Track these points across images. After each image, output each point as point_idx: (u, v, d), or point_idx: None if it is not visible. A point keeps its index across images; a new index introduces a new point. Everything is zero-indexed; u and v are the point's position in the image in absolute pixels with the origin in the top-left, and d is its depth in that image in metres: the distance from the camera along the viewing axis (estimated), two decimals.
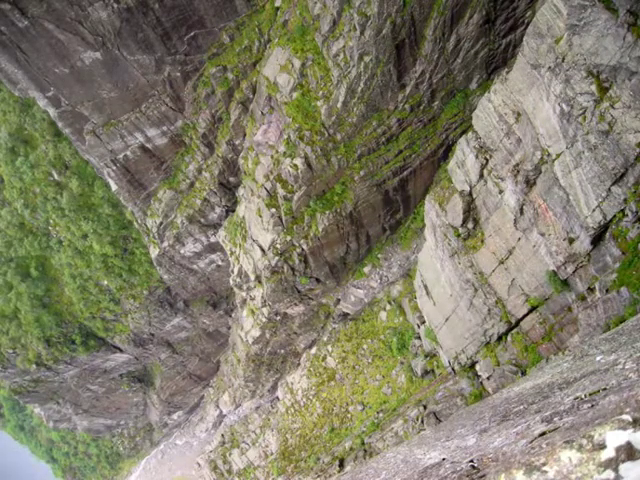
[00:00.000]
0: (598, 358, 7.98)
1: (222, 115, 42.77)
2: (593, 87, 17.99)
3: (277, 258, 42.25)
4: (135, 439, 76.98)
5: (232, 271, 48.80)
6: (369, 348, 48.06)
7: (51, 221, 53.06)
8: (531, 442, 3.96)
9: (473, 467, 4.15)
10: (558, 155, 20.46)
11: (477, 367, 33.54)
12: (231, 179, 47.02)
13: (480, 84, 35.62)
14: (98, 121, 41.46)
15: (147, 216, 49.49)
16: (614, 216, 19.50)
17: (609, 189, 18.87)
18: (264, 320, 49.44)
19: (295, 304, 48.46)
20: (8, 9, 32.52)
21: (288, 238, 40.96)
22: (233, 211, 47.92)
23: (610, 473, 2.61)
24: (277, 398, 58.73)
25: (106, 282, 55.15)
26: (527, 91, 20.91)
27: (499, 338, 30.28)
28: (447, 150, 38.94)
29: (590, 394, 5.07)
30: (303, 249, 41.78)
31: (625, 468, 2.61)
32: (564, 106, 19.21)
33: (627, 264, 20.37)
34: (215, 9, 37.00)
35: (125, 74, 38.60)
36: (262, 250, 42.91)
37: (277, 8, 37.10)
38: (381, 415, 43.63)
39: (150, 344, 62.45)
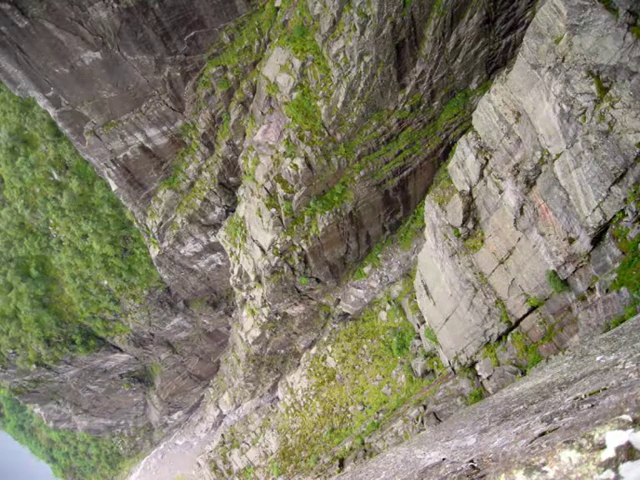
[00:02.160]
0: (598, 358, 7.98)
1: (222, 115, 42.76)
2: (593, 87, 17.99)
3: (277, 258, 42.24)
4: (135, 439, 76.97)
5: (232, 271, 48.79)
6: (369, 348, 48.06)
7: (51, 221, 53.06)
8: (531, 442, 3.96)
9: (473, 467, 4.15)
10: (558, 155, 20.47)
11: (477, 367, 33.55)
12: (231, 179, 47.02)
13: (480, 84, 35.62)
14: (98, 121, 41.46)
15: (147, 216, 49.49)
16: (614, 216, 19.51)
17: (609, 189, 18.88)
18: (264, 320, 49.44)
19: (295, 304, 48.46)
20: (8, 9, 32.51)
21: (288, 238, 40.96)
22: (233, 211, 47.91)
23: (610, 473, 2.61)
24: (277, 398, 58.73)
25: (106, 282, 55.16)
26: (527, 91, 20.92)
27: (499, 338, 30.28)
28: (447, 150, 38.94)
29: (590, 394, 5.06)
30: (303, 249, 41.78)
31: (625, 468, 2.61)
32: (564, 106, 19.21)
33: (627, 264, 20.38)
34: (215, 9, 36.99)
35: (125, 74, 38.59)
36: (262, 250, 42.91)
37: (277, 8, 37.10)
38: (381, 415, 43.63)
39: (150, 344, 62.44)
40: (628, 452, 2.65)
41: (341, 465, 42.74)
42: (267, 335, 51.89)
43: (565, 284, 23.74)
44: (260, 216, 41.01)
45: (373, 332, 48.05)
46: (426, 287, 35.37)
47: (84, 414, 69.16)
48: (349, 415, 48.01)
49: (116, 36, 35.62)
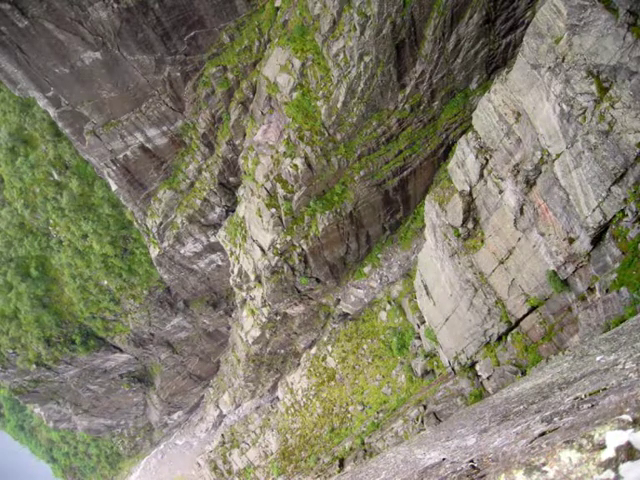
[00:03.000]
0: (598, 358, 7.98)
1: (222, 115, 42.76)
2: (593, 87, 17.99)
3: (277, 258, 42.24)
4: (135, 439, 76.96)
5: (232, 271, 48.79)
6: (369, 348, 48.06)
7: (51, 221, 53.06)
8: (531, 442, 3.96)
9: (473, 467, 4.15)
10: (558, 155, 20.47)
11: (477, 367, 33.55)
12: (231, 179, 47.02)
13: (480, 84, 35.62)
14: (98, 121, 41.46)
15: (147, 216, 49.48)
16: (614, 216, 19.51)
17: (609, 189, 18.88)
18: (264, 320, 49.44)
19: (295, 304, 48.45)
20: (8, 9, 32.50)
21: (288, 238, 40.96)
22: (233, 211, 47.92)
23: (610, 473, 2.61)
24: (277, 398, 58.73)
25: (106, 282, 55.16)
26: (527, 91, 20.92)
27: (499, 338, 30.28)
28: (447, 150, 38.94)
29: (590, 394, 5.06)
30: (303, 249, 41.78)
31: (625, 468, 2.61)
32: (564, 106, 19.21)
33: (627, 264, 20.38)
34: (215, 9, 36.98)
35: (125, 74, 38.58)
36: (262, 250, 42.91)
37: (277, 8, 37.10)
38: (381, 415, 43.63)
39: (150, 344, 62.44)
40: (628, 452, 2.65)
41: (341, 465, 42.74)
42: (267, 335, 51.89)
43: (565, 284, 23.74)
44: (260, 216, 41.01)
45: (373, 332, 48.05)
46: (426, 287, 35.37)
47: (84, 414, 69.15)
48: (349, 415, 48.01)
49: (116, 36, 35.61)
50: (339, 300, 49.00)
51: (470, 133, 25.62)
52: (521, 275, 25.86)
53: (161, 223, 49.24)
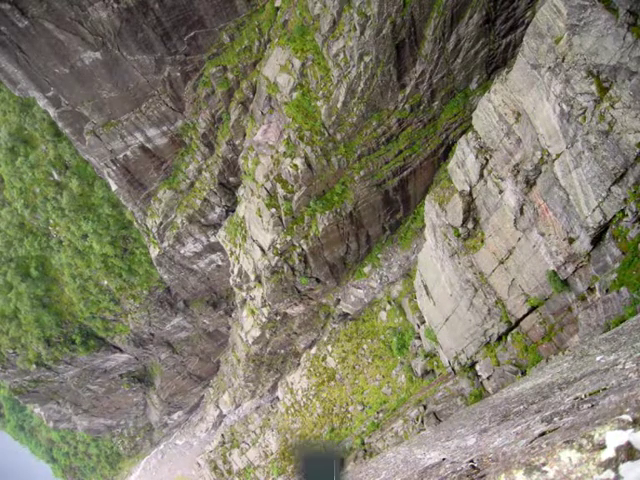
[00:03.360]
0: (598, 358, 7.98)
1: (222, 115, 42.77)
2: (593, 87, 17.99)
3: (277, 258, 42.24)
4: (135, 439, 76.96)
5: (232, 271, 48.79)
6: (369, 348, 48.05)
7: (51, 221, 53.06)
8: (531, 442, 3.96)
9: (473, 467, 4.15)
10: (558, 155, 20.47)
11: (477, 367, 33.54)
12: (231, 179, 47.02)
13: (480, 84, 35.61)
14: (98, 121, 41.46)
15: (147, 216, 49.48)
16: (614, 216, 19.51)
17: (609, 189, 18.88)
18: (264, 320, 49.43)
19: (295, 304, 48.45)
20: (8, 9, 32.51)
21: (288, 238, 40.96)
22: (233, 211, 47.92)
23: (610, 473, 2.61)
24: (277, 398, 58.72)
25: (106, 282, 55.15)
26: (527, 91, 20.92)
27: (499, 338, 30.28)
28: (447, 150, 38.93)
29: (590, 394, 5.07)
30: (303, 249, 41.78)
31: (625, 468, 2.61)
32: (564, 106, 19.21)
33: (627, 264, 20.38)
34: (215, 9, 36.99)
35: (125, 74, 38.59)
36: (262, 250, 42.91)
37: (277, 8, 37.10)
38: (381, 415, 43.62)
39: (150, 344, 62.44)
40: (628, 452, 2.65)
41: (341, 465, 42.72)
42: (267, 335, 51.88)
43: (565, 284, 23.74)
44: (260, 216, 41.01)
45: (373, 332, 48.04)
46: (426, 287, 35.36)
47: (84, 414, 69.15)
48: (349, 415, 48.00)
49: (116, 36, 35.61)
50: (339, 300, 49.00)
51: (470, 133, 25.62)
52: (521, 275, 25.86)
53: (161, 223, 49.25)
